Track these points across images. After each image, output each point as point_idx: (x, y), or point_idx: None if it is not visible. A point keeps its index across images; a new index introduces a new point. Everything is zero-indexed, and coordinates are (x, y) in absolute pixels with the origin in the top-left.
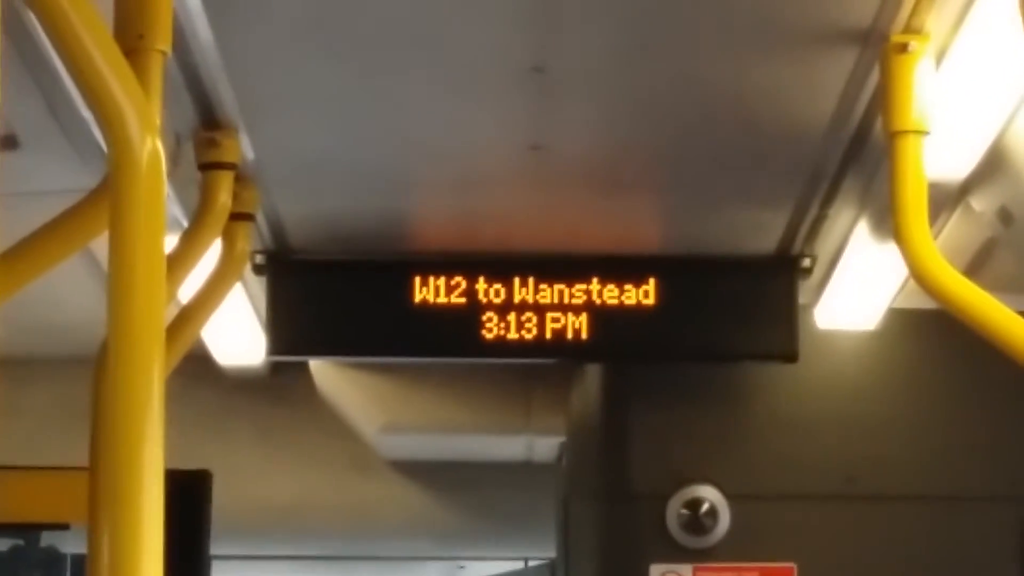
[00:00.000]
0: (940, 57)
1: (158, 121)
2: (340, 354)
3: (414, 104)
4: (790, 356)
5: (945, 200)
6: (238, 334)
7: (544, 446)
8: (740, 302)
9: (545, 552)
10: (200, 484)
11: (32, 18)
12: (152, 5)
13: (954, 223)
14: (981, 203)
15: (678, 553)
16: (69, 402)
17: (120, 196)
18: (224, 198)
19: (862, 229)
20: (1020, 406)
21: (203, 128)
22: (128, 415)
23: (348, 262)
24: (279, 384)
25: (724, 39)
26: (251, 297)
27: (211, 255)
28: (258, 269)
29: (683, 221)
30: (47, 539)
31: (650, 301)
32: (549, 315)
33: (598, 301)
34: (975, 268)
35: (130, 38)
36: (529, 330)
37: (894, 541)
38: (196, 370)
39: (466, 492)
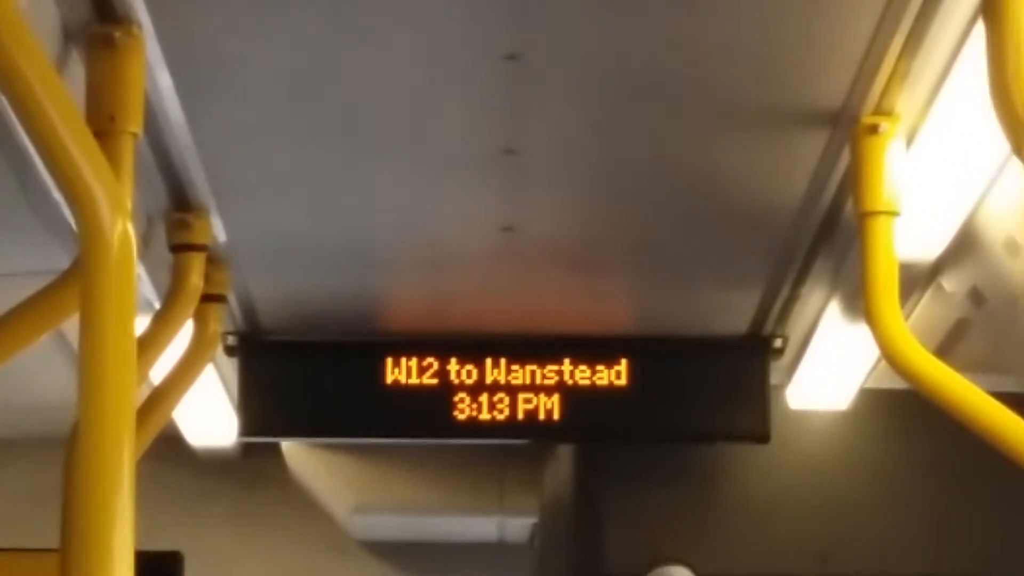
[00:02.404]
0: (911, 138)
1: (129, 203)
2: (312, 435)
3: (386, 186)
4: (762, 436)
5: (916, 281)
6: (210, 415)
7: (517, 527)
8: (712, 383)
9: None
10: (171, 565)
11: (2, 100)
12: (123, 87)
13: (925, 303)
14: (952, 284)
15: None
16: (40, 483)
17: (91, 278)
18: (196, 279)
19: (833, 309)
20: (992, 485)
21: (174, 209)
22: (98, 496)
23: (320, 343)
24: (251, 465)
25: (695, 120)
26: (223, 378)
27: (183, 336)
28: (230, 350)
29: (655, 302)
30: None
31: (622, 382)
32: (521, 396)
33: (570, 382)
34: (946, 349)
35: (101, 120)
36: (501, 411)
37: None
38: (168, 451)
39: (439, 573)
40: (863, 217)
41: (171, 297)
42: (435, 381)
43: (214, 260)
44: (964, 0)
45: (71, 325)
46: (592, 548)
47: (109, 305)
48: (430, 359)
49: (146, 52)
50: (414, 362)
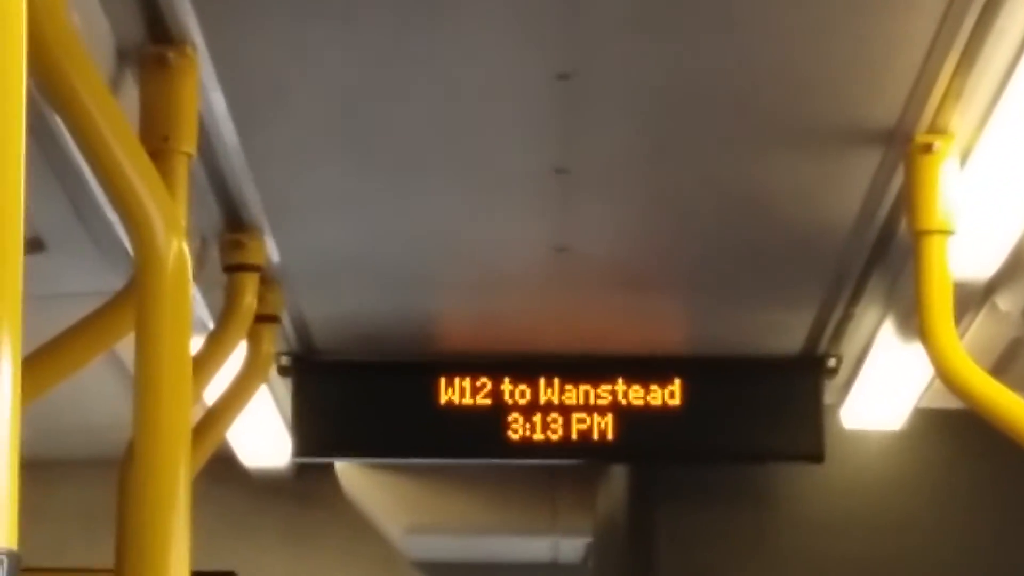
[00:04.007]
0: (965, 157)
1: (184, 223)
2: (365, 455)
3: (439, 206)
4: (816, 456)
5: (971, 300)
6: (263, 436)
7: (570, 547)
8: (766, 403)
9: None
10: None
11: (58, 121)
12: (177, 108)
13: (980, 323)
14: (1007, 303)
15: None
16: (94, 504)
17: (146, 298)
18: (249, 300)
19: (888, 329)
20: None
21: (228, 230)
22: (154, 516)
23: (373, 363)
24: (304, 486)
25: (748, 139)
26: (276, 399)
27: (236, 357)
28: (283, 371)
29: (708, 321)
30: None
31: (676, 402)
32: (575, 416)
33: (624, 402)
34: (1001, 368)
35: (156, 140)
36: (555, 431)
37: None
38: (221, 472)
39: None
40: (917, 236)
41: (225, 317)
42: (488, 401)
43: (267, 280)
44: (1018, 18)
45: (125, 345)
46: (646, 568)
47: (164, 325)
48: (483, 379)
49: (200, 73)
50: (467, 382)
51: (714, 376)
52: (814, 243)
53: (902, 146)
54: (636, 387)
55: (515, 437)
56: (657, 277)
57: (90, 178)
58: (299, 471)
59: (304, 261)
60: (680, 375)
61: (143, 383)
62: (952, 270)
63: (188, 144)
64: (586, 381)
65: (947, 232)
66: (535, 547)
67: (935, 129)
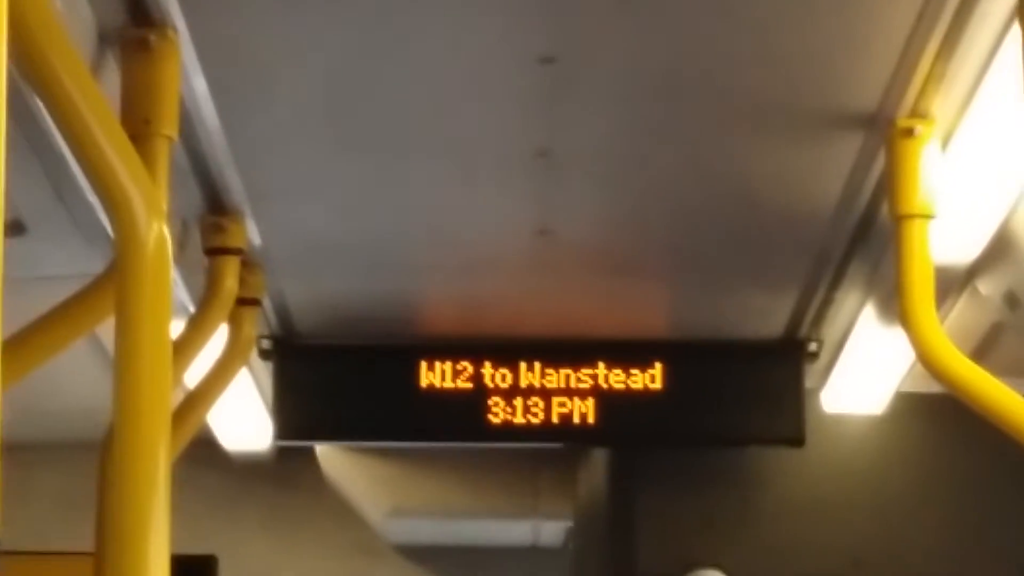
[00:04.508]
0: (946, 141)
1: (165, 206)
2: (347, 439)
3: (420, 189)
4: (797, 440)
5: (952, 284)
6: (244, 419)
7: (551, 530)
8: (747, 386)
9: None
10: (206, 569)
11: (38, 103)
12: (159, 90)
13: (961, 307)
14: (988, 287)
15: None
16: (75, 487)
17: (127, 281)
18: (230, 283)
19: (869, 313)
20: None
21: (209, 213)
22: (134, 500)
23: (354, 347)
24: (285, 469)
25: (730, 123)
26: (257, 382)
27: (217, 340)
28: (264, 354)
29: (689, 305)
30: None
31: (657, 385)
32: (555, 399)
33: (605, 385)
34: (982, 352)
35: (137, 123)
36: (535, 414)
37: None
38: (202, 455)
39: None
40: (898, 220)
41: (206, 301)
42: (469, 385)
43: (249, 264)
44: (1000, 2)
45: (106, 328)
46: (627, 552)
47: (144, 308)
48: (464, 363)
49: (181, 56)
50: (448, 366)
51: (695, 360)
52: (795, 227)
53: (883, 130)
54: (617, 371)
55: (496, 421)
56: (639, 261)
57: (71, 161)
58: (280, 454)
59: (285, 244)
60: (661, 359)
61: (123, 366)
62: (933, 254)
63: (169, 127)
64: (567, 365)
65: (928, 216)
66: (516, 530)
67: (917, 113)
